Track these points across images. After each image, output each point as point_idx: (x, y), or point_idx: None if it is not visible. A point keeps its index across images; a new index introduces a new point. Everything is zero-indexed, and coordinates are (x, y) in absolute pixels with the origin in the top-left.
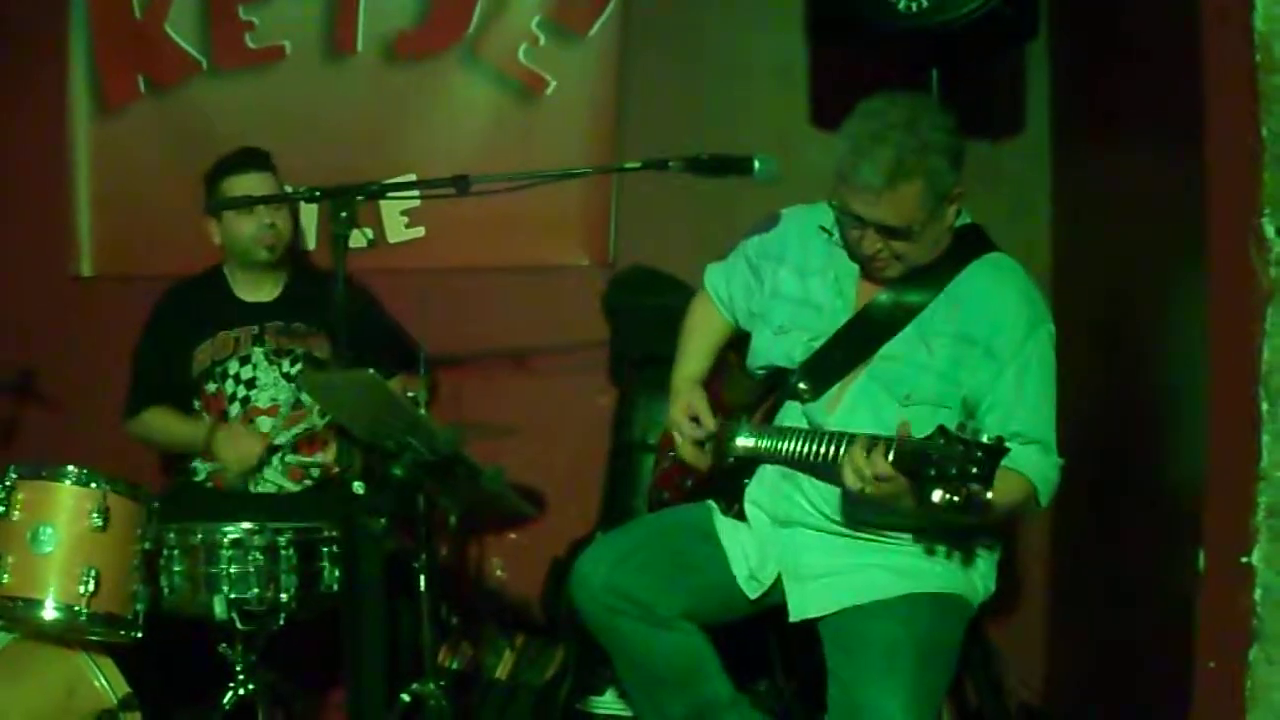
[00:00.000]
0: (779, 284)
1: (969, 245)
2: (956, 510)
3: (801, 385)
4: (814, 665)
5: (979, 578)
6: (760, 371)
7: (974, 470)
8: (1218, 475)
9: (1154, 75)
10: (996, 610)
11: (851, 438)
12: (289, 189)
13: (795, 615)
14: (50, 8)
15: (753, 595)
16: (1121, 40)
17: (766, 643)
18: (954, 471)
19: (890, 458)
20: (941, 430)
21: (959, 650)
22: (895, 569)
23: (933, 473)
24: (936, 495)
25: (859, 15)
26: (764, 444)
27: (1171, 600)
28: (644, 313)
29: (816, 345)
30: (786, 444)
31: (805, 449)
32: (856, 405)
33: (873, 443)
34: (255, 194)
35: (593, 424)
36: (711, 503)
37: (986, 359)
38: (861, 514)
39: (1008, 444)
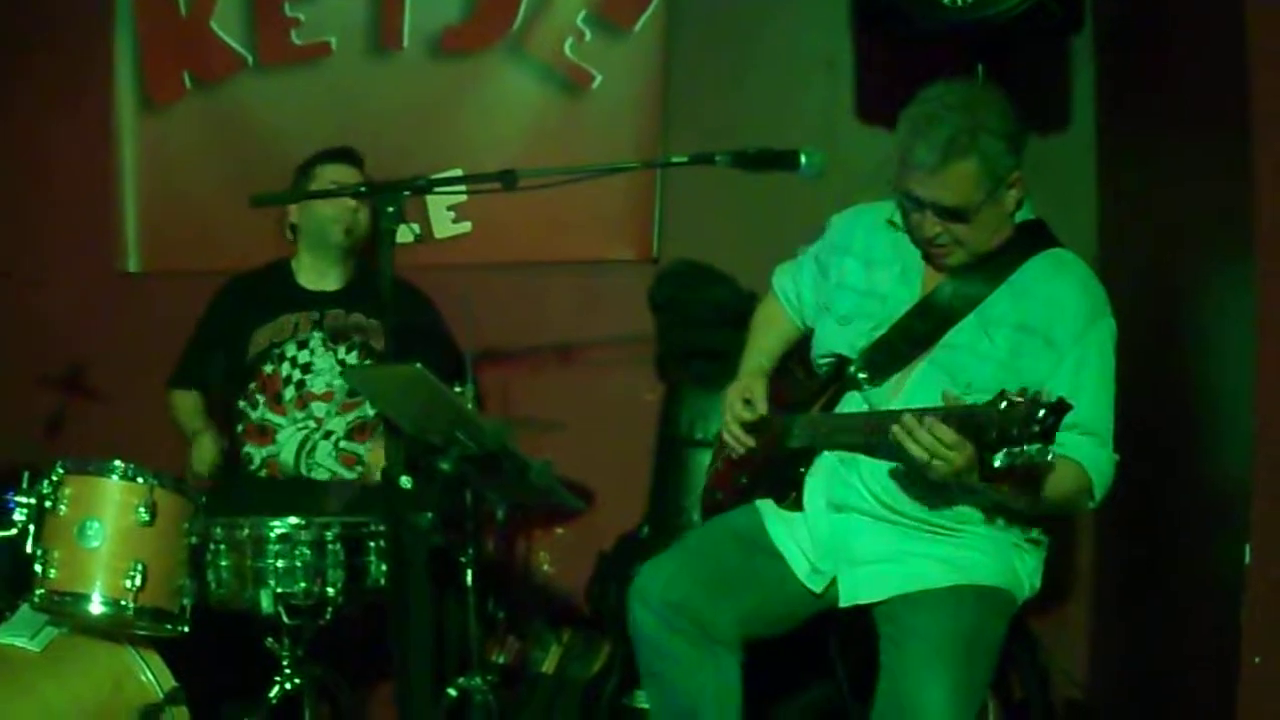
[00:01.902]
0: (844, 275)
1: (1032, 238)
2: (1018, 482)
3: (862, 374)
4: (872, 665)
5: (1026, 574)
6: (823, 362)
7: (1036, 429)
8: (1264, 470)
9: (1199, 66)
10: (1042, 604)
11: (899, 412)
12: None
13: (846, 600)
14: (96, 6)
15: (819, 589)
16: (1166, 31)
17: (827, 643)
18: (1015, 432)
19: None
20: (1003, 394)
21: (1002, 644)
22: (944, 560)
23: (994, 435)
24: (999, 460)
25: (904, 9)
26: (822, 427)
27: (1217, 595)
28: (689, 307)
29: (879, 334)
30: (844, 424)
31: (862, 426)
32: (917, 392)
33: (922, 413)
34: (342, 184)
35: (639, 418)
36: (761, 504)
37: (1046, 349)
38: (916, 502)
39: (1061, 430)
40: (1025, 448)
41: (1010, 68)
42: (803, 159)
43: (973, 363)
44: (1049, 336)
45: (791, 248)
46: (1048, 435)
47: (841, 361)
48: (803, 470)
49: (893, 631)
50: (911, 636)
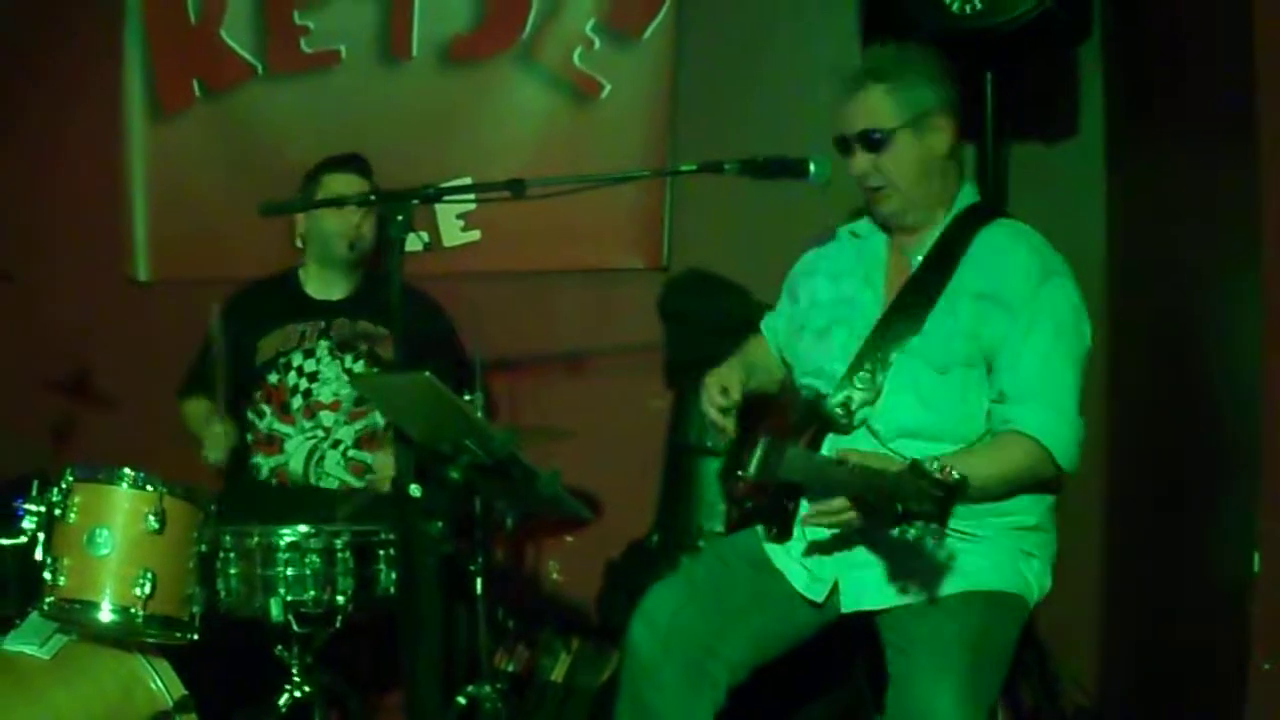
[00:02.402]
0: (815, 292)
1: (981, 215)
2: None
3: (839, 409)
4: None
5: (1034, 576)
6: (806, 383)
7: (929, 506)
8: (1273, 477)
9: (1207, 75)
10: (1050, 612)
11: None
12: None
13: (849, 606)
14: (106, 14)
15: (820, 598)
16: (1174, 41)
17: (848, 650)
18: (913, 506)
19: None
20: (913, 464)
21: (1013, 648)
22: (949, 568)
23: (895, 508)
24: (895, 531)
25: (913, 17)
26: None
27: (1226, 602)
28: (699, 316)
29: (855, 346)
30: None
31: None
32: (897, 387)
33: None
34: (347, 193)
35: (648, 427)
36: (759, 528)
37: (1002, 311)
38: None
39: (1007, 402)
40: (914, 527)
41: (1019, 76)
42: (812, 167)
43: (943, 342)
44: (1004, 300)
45: (801, 255)
46: (942, 513)
47: (818, 399)
48: (790, 505)
49: (898, 640)
50: (918, 644)
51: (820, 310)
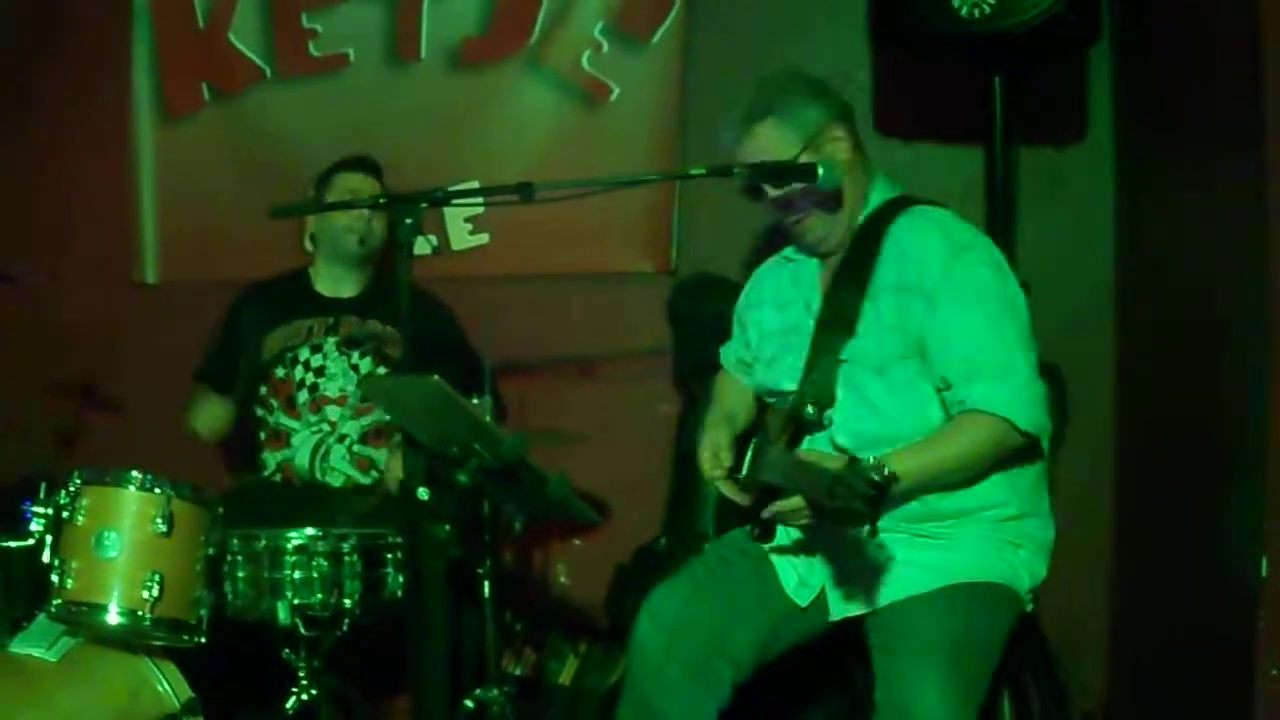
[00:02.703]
0: (763, 323)
1: (895, 206)
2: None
3: (810, 411)
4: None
5: (1022, 565)
6: (771, 400)
7: (859, 504)
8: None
9: (1216, 79)
10: (1058, 617)
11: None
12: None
13: (836, 614)
14: (114, 17)
15: (804, 603)
16: (1183, 44)
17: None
18: (844, 505)
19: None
20: (851, 460)
21: (1003, 639)
22: (931, 566)
23: (838, 506)
24: (853, 528)
25: (921, 21)
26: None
27: (1234, 607)
28: (707, 320)
29: (803, 362)
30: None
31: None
32: (845, 399)
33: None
34: (360, 189)
35: (657, 431)
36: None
37: (921, 299)
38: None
39: (954, 385)
40: (857, 525)
41: (1028, 80)
42: (820, 171)
43: (874, 343)
44: (920, 286)
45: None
46: (873, 512)
47: (798, 402)
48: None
49: (882, 640)
50: (900, 641)
51: (769, 340)
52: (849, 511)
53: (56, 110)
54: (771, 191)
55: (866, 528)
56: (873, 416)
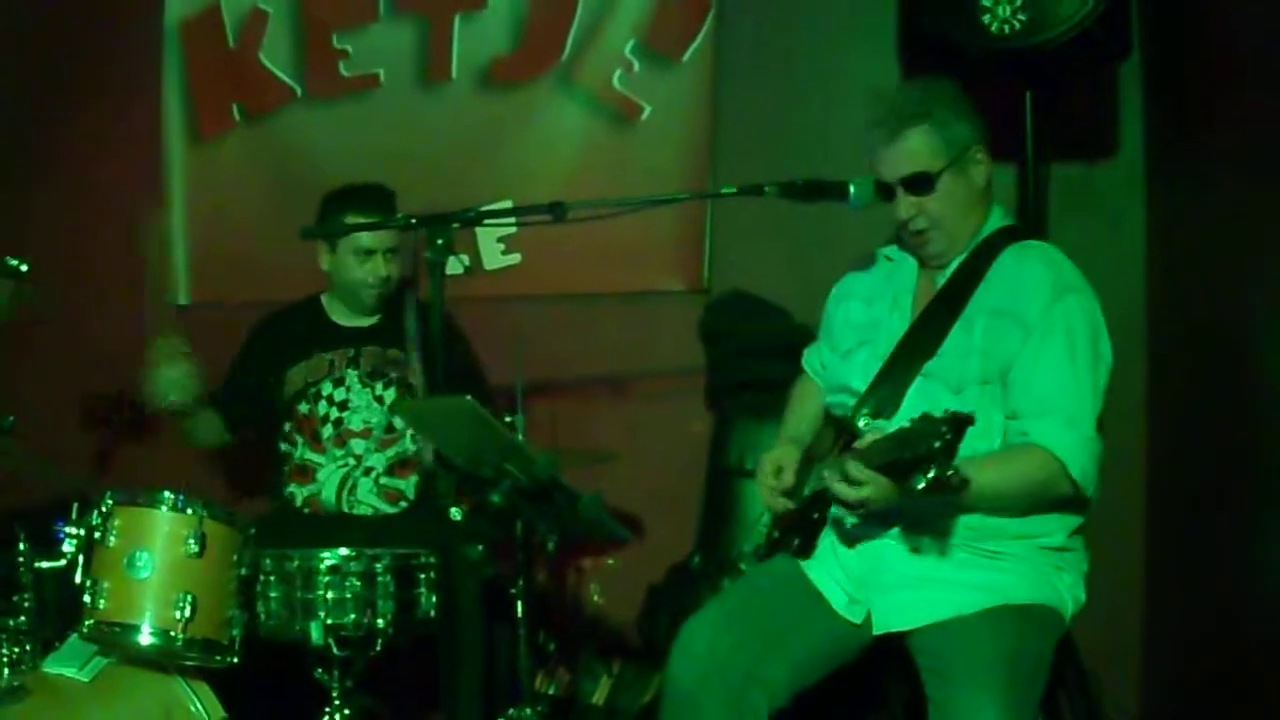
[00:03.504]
0: (849, 314)
1: (1007, 236)
2: (942, 491)
3: (863, 421)
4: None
5: (1066, 589)
6: (835, 399)
7: (937, 444)
8: None
9: (1245, 93)
10: (1091, 633)
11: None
12: None
13: (879, 628)
14: (145, 38)
15: (859, 620)
16: (1213, 58)
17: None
18: (921, 451)
19: (861, 460)
20: (923, 415)
21: (1049, 661)
22: (977, 585)
23: (908, 456)
24: (920, 483)
25: (952, 37)
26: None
27: (1270, 623)
28: (740, 338)
29: (875, 366)
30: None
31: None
32: (913, 407)
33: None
34: (376, 245)
35: (689, 450)
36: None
37: (1017, 328)
38: (940, 519)
39: (1022, 417)
40: (933, 469)
41: (1059, 96)
42: (852, 189)
43: (959, 362)
44: (1018, 315)
45: (841, 277)
46: (949, 450)
47: (847, 419)
48: (815, 516)
49: (933, 664)
50: (954, 666)
51: (851, 331)
52: (925, 455)
53: (89, 132)
54: (905, 197)
55: (929, 478)
56: None
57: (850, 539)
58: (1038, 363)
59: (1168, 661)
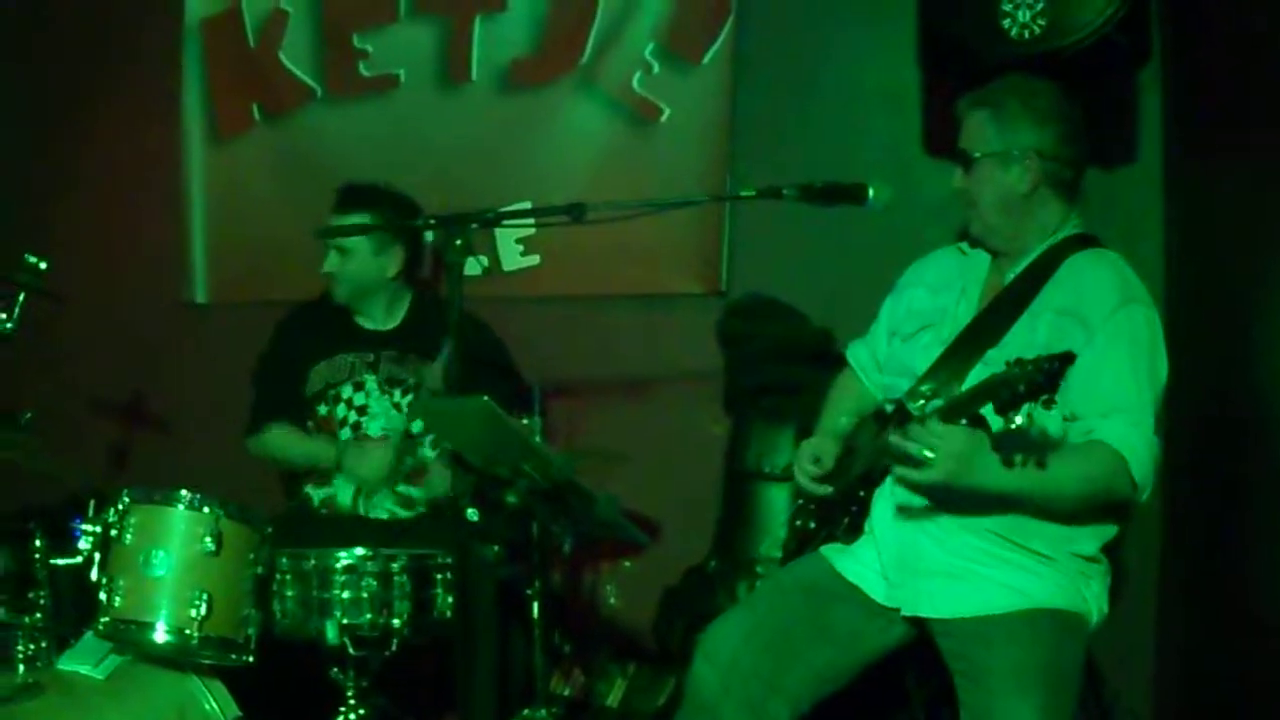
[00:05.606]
0: (913, 301)
1: (1079, 242)
2: (1026, 446)
3: (922, 389)
4: (948, 697)
5: (1093, 598)
6: (888, 382)
7: (1040, 378)
8: None
9: (1265, 99)
10: (1106, 640)
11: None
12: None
13: (908, 610)
14: (165, 37)
15: (896, 604)
16: (1233, 64)
17: (903, 675)
18: (1023, 388)
19: (942, 413)
20: (1017, 360)
21: (1081, 668)
22: (1011, 586)
23: (1006, 395)
24: (1016, 418)
25: (970, 43)
26: (870, 448)
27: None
28: (758, 341)
29: (937, 350)
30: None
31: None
32: None
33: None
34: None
35: (706, 452)
36: (825, 550)
37: (1081, 328)
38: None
39: (1086, 417)
40: (1038, 400)
41: (1077, 101)
42: (870, 192)
43: (1019, 354)
44: (1083, 317)
45: (860, 281)
46: (1052, 381)
47: (899, 400)
48: (863, 494)
49: (967, 668)
50: (992, 674)
51: (914, 317)
52: (1032, 386)
53: (108, 131)
54: (960, 169)
55: (1026, 410)
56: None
57: (890, 524)
58: (1103, 365)
59: (1180, 667)
